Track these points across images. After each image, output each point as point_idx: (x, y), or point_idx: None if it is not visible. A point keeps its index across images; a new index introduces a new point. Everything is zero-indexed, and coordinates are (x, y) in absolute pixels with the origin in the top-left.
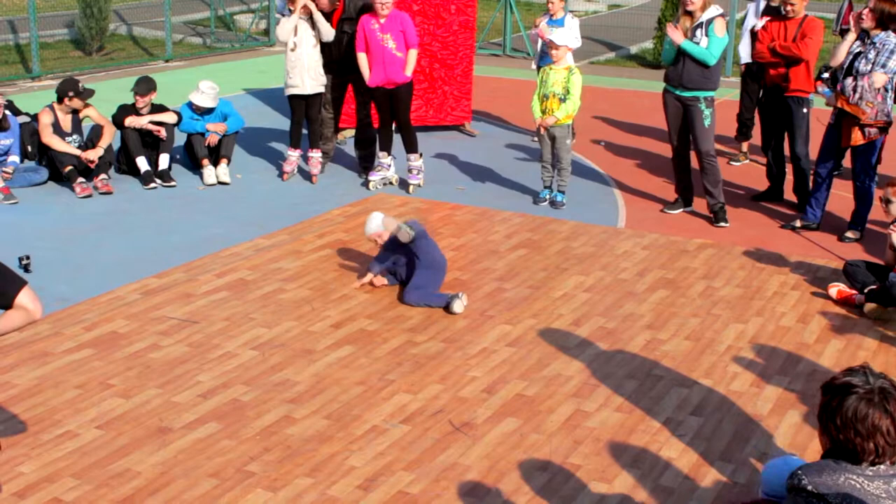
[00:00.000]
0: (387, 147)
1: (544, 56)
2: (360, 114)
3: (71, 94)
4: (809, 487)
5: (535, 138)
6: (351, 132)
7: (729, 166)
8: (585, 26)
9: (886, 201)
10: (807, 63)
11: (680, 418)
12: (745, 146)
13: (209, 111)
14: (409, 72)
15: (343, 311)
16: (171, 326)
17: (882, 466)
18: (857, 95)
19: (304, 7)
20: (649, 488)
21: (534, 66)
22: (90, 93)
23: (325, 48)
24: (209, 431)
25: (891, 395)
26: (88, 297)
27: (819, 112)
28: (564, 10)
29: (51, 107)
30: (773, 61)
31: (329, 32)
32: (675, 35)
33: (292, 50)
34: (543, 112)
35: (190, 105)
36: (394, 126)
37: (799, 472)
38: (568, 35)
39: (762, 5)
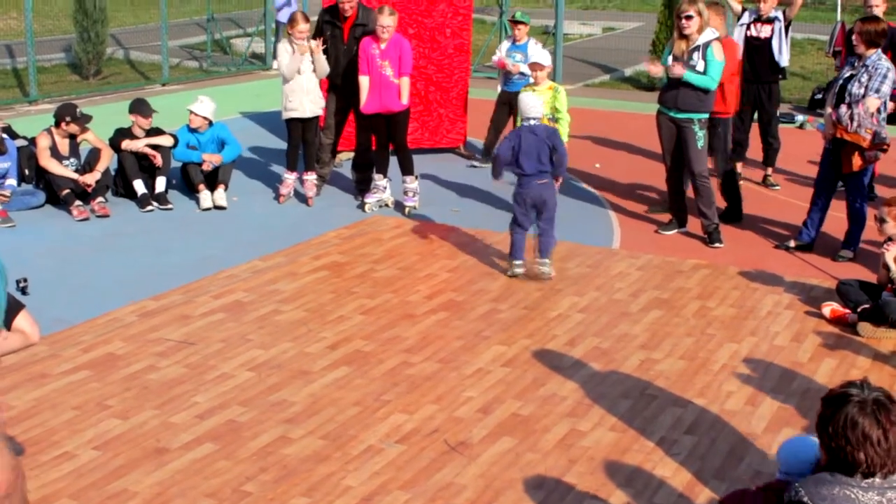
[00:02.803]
0: (383, 169)
1: (508, 80)
2: (360, 137)
3: (68, 119)
4: (806, 499)
5: None
6: (347, 155)
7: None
8: (580, 49)
9: (881, 220)
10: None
11: (674, 437)
12: (739, 167)
13: (206, 131)
14: (404, 100)
15: (339, 333)
16: (168, 348)
17: (877, 479)
18: (855, 123)
19: (307, 48)
20: None
21: (498, 90)
22: (88, 118)
23: (334, 59)
24: (206, 452)
25: (884, 406)
26: (86, 319)
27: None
28: (528, 36)
29: (48, 130)
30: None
31: (324, 70)
32: (653, 68)
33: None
34: None
35: (188, 127)
36: (391, 149)
37: (797, 484)
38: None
39: (743, 32)
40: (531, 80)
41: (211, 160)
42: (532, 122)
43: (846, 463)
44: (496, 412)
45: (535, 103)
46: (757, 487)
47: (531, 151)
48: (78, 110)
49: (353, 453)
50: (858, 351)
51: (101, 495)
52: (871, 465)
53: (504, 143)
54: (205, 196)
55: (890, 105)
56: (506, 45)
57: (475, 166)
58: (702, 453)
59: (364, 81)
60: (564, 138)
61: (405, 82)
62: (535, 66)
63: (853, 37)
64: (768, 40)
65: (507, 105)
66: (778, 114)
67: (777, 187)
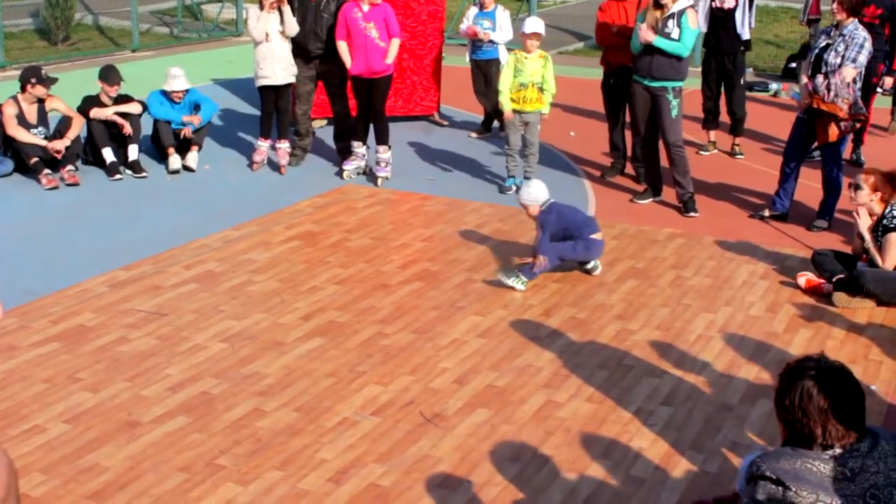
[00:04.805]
0: (362, 137)
1: (477, 49)
2: (337, 106)
3: (33, 80)
4: (768, 473)
5: (502, 132)
6: (320, 122)
7: (697, 156)
8: (555, 16)
9: (856, 187)
10: None
11: (650, 408)
12: (712, 135)
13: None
14: (390, 60)
15: (313, 303)
16: (139, 319)
17: (837, 450)
18: (832, 94)
19: (274, 2)
20: (620, 478)
21: (468, 59)
22: (53, 80)
23: (301, 17)
24: (178, 425)
25: (840, 379)
26: (55, 290)
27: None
28: (495, 3)
29: (15, 98)
30: (616, 44)
31: (294, 27)
32: (647, 34)
33: (264, 41)
34: (517, 101)
35: (163, 93)
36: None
37: (758, 460)
38: (507, 27)
39: (708, 3)
40: (499, 47)
41: (191, 121)
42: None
43: (804, 436)
44: (472, 383)
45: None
46: (714, 498)
47: (577, 213)
48: (43, 72)
49: (328, 426)
50: (833, 321)
51: (73, 469)
52: (828, 437)
53: (545, 239)
54: (174, 159)
55: (888, 81)
56: (473, 11)
57: (470, 136)
58: (678, 424)
59: (343, 46)
60: (546, 108)
61: (395, 43)
62: (534, 36)
63: (833, 5)
64: (732, 11)
65: (480, 72)
66: (742, 82)
67: (741, 156)
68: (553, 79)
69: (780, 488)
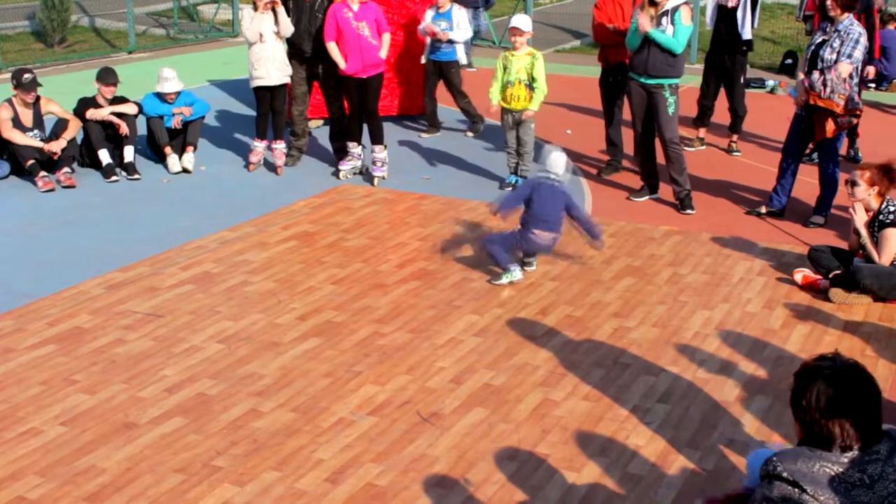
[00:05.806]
0: (356, 137)
1: (435, 49)
2: (333, 106)
3: (14, 82)
4: (785, 475)
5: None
6: (316, 122)
7: (686, 152)
8: (551, 14)
9: (853, 183)
10: None
11: (647, 406)
12: (701, 132)
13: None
14: (383, 54)
15: (309, 303)
16: (135, 321)
17: (856, 453)
18: (828, 90)
19: (268, 3)
20: (617, 476)
21: (423, 60)
22: (32, 84)
23: (296, 19)
24: (175, 426)
25: (857, 378)
26: (52, 293)
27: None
28: (451, 3)
29: (9, 101)
30: (614, 41)
31: (288, 28)
32: (644, 22)
33: (258, 42)
34: (506, 99)
35: (158, 95)
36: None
37: (774, 458)
38: (465, 26)
39: None
40: (458, 48)
41: (181, 111)
42: (552, 177)
43: (822, 437)
44: (468, 382)
45: (562, 162)
46: (725, 496)
47: (548, 208)
48: (26, 76)
49: (325, 426)
50: (830, 317)
51: (69, 472)
52: (846, 438)
53: (515, 194)
54: (173, 160)
55: (871, 70)
56: (430, 13)
57: (421, 136)
58: (675, 422)
59: (332, 47)
60: (536, 107)
61: (387, 38)
62: (515, 32)
63: (828, 1)
64: (734, 10)
65: (437, 74)
66: (743, 80)
67: (738, 153)
68: (543, 78)
69: (796, 490)
